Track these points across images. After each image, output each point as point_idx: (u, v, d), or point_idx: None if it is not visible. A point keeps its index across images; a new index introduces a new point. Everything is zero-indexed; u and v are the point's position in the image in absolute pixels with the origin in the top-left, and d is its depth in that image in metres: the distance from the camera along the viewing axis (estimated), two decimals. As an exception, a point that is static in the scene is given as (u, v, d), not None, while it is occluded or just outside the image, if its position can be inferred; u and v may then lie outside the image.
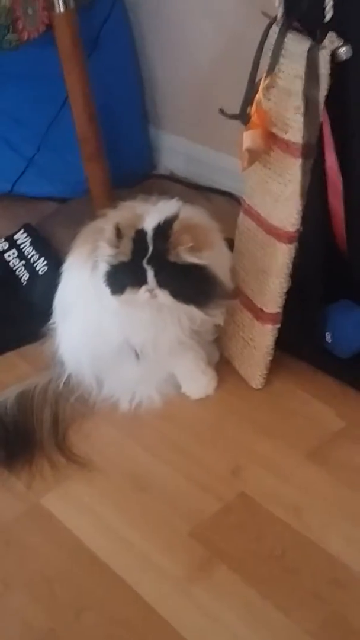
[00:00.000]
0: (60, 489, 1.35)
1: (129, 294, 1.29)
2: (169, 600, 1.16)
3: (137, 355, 1.40)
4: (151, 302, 1.29)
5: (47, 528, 1.29)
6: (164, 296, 1.28)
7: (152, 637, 1.13)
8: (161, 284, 1.27)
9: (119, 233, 1.28)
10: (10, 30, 1.60)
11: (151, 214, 1.32)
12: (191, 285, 1.28)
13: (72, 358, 1.47)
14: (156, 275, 1.27)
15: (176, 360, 1.43)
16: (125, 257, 1.28)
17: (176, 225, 1.27)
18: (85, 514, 1.30)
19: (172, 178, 2.08)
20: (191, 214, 1.35)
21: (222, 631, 1.12)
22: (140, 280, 1.28)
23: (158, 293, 1.28)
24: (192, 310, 1.31)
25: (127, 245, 1.28)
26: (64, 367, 1.49)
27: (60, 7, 1.64)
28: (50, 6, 1.64)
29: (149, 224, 1.29)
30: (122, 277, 1.29)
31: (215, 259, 1.31)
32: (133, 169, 2.07)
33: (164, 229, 1.27)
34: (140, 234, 1.28)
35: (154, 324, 1.34)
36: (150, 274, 1.27)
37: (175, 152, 2.09)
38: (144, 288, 1.28)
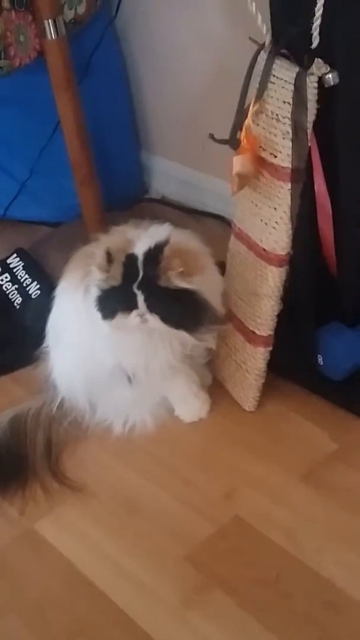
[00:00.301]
0: (53, 514, 1.34)
1: (119, 319, 1.29)
2: (163, 625, 1.16)
3: (129, 379, 1.40)
4: (142, 326, 1.29)
5: (40, 554, 1.29)
6: (154, 321, 1.29)
7: (146, 664, 1.13)
8: (151, 308, 1.28)
9: (109, 257, 1.29)
10: (3, 56, 1.62)
11: (142, 238, 1.33)
12: (181, 310, 1.29)
13: (65, 382, 1.47)
14: (146, 300, 1.27)
15: (168, 384, 1.43)
16: (115, 281, 1.28)
17: (167, 250, 1.27)
18: (79, 539, 1.30)
19: (164, 202, 2.09)
20: (182, 238, 1.36)
21: (217, 657, 1.12)
22: (131, 305, 1.28)
23: (148, 318, 1.29)
24: (183, 335, 1.32)
25: (117, 270, 1.28)
26: (57, 390, 1.49)
27: (51, 34, 1.66)
28: (41, 33, 1.66)
29: (140, 249, 1.30)
30: (113, 302, 1.29)
31: (205, 284, 1.32)
32: (125, 192, 2.08)
33: (154, 254, 1.28)
34: (130, 259, 1.29)
35: (145, 349, 1.34)
36: (140, 298, 1.27)
37: (167, 176, 2.10)
38: (134, 313, 1.29)
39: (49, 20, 1.64)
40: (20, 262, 1.86)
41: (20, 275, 1.83)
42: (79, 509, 1.34)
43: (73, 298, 1.41)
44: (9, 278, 1.84)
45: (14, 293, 1.80)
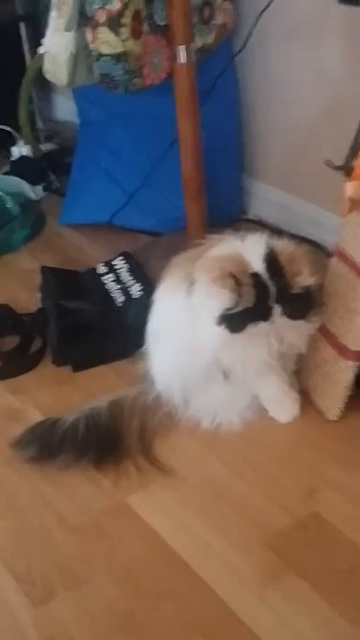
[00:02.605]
0: (144, 490, 1.45)
1: (249, 329, 1.40)
2: (242, 599, 1.25)
3: (225, 375, 1.51)
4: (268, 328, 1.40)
5: (131, 524, 1.39)
6: (281, 321, 1.40)
7: (224, 630, 1.22)
8: (284, 313, 1.39)
9: (237, 281, 1.37)
10: (137, 74, 1.77)
11: (249, 253, 1.41)
12: (303, 304, 1.40)
13: (163, 379, 1.58)
14: (283, 309, 1.39)
15: (262, 382, 1.54)
16: (249, 303, 1.38)
17: (282, 259, 1.38)
18: (167, 516, 1.40)
19: (260, 223, 2.21)
20: (279, 243, 1.44)
21: (291, 633, 1.21)
22: (265, 317, 1.39)
23: (277, 320, 1.40)
24: (301, 324, 1.42)
25: (249, 293, 1.37)
26: (154, 384, 1.60)
27: (182, 58, 1.81)
28: (174, 57, 1.81)
29: (257, 266, 1.39)
30: (245, 318, 1.38)
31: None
32: (224, 212, 2.21)
33: (274, 266, 1.38)
34: (256, 278, 1.38)
35: (244, 345, 1.44)
36: (277, 310, 1.39)
37: (266, 200, 2.23)
38: (265, 322, 1.39)
39: (182, 46, 1.79)
40: (126, 264, 1.99)
41: (123, 277, 1.96)
42: (168, 489, 1.45)
43: (174, 299, 1.51)
44: (112, 278, 1.97)
45: (116, 292, 1.92)
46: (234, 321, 1.39)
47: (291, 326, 1.43)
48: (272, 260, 1.39)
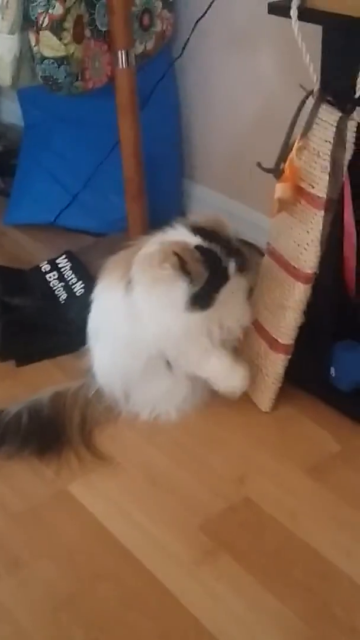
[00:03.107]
0: (85, 478, 1.51)
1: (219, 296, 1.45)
2: (177, 579, 1.32)
3: (169, 365, 1.57)
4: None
5: (72, 510, 1.45)
6: (220, 303, 1.47)
7: (160, 608, 1.28)
8: (237, 266, 1.46)
9: (182, 261, 1.42)
10: (79, 77, 1.83)
11: (178, 236, 1.48)
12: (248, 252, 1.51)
13: (104, 376, 1.64)
14: (236, 261, 1.45)
15: (205, 364, 1.57)
16: (202, 279, 1.43)
17: (207, 226, 1.46)
18: (106, 502, 1.46)
19: (200, 224, 2.29)
20: (191, 219, 1.53)
21: (223, 610, 1.28)
22: (225, 278, 1.44)
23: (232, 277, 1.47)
24: (238, 309, 1.53)
25: (197, 269, 1.43)
26: (95, 379, 1.66)
27: (123, 63, 1.87)
28: (114, 61, 1.87)
29: (194, 240, 1.45)
30: (209, 289, 1.43)
31: None
32: (166, 214, 2.25)
33: (207, 234, 1.45)
34: (201, 249, 1.43)
35: (187, 335, 1.51)
36: (232, 265, 1.44)
37: (205, 202, 2.30)
38: (226, 285, 1.45)
39: (122, 51, 1.86)
40: (68, 262, 2.05)
41: (67, 275, 2.02)
42: (107, 477, 1.51)
43: (112, 297, 1.57)
44: (56, 276, 2.02)
45: (60, 289, 1.98)
46: (201, 297, 1.43)
47: (230, 311, 1.50)
48: (200, 230, 1.46)
